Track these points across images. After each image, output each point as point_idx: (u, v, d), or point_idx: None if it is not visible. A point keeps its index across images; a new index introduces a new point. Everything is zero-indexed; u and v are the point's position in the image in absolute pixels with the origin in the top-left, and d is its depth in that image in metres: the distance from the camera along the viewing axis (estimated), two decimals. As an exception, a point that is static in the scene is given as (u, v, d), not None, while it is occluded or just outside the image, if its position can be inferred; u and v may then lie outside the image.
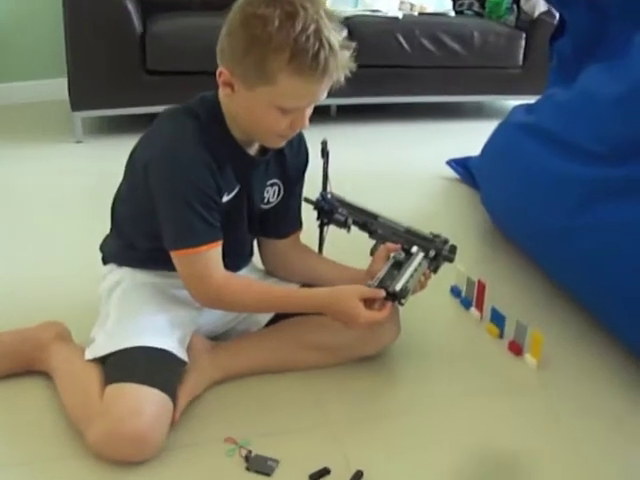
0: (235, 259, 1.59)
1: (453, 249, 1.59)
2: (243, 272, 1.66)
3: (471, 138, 2.71)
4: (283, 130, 1.38)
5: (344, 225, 1.66)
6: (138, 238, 1.51)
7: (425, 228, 2.11)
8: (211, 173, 1.38)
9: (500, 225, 2.30)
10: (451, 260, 1.59)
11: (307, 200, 1.67)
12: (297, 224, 1.68)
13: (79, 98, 3.05)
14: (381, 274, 1.48)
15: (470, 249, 2.23)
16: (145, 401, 1.32)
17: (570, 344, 1.79)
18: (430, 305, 1.84)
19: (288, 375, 1.62)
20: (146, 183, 1.39)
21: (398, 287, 1.45)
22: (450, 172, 2.90)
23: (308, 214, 1.69)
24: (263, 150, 1.50)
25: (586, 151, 1.86)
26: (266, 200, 1.58)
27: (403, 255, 1.54)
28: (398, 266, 1.51)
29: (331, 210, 1.66)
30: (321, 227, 1.74)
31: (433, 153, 3.10)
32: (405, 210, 2.44)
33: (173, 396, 1.39)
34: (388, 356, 1.69)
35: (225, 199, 1.44)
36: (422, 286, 1.54)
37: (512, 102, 3.60)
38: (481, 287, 1.85)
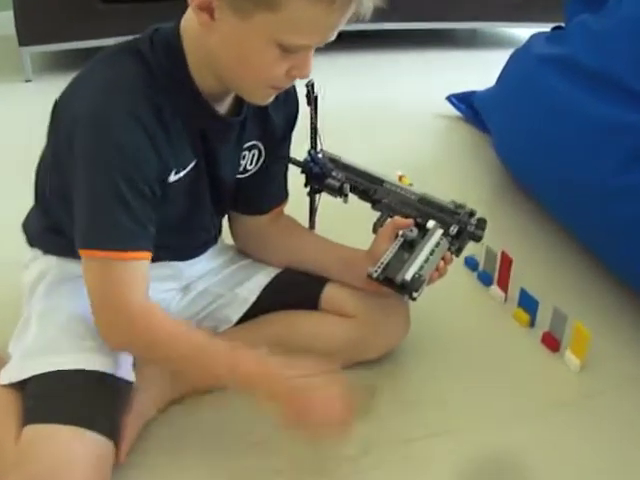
0: (196, 246, 1.25)
1: (481, 224, 1.23)
2: (207, 255, 1.30)
3: (470, 70, 2.37)
4: (278, 78, 1.00)
5: (339, 192, 1.29)
6: (67, 220, 1.14)
7: (422, 178, 1.81)
8: (155, 144, 1.00)
9: (519, 177, 1.94)
10: (479, 238, 1.23)
11: (292, 161, 1.30)
12: (282, 195, 1.32)
13: (27, 32, 2.72)
14: (387, 258, 1.13)
15: (483, 207, 1.86)
16: (75, 449, 0.97)
17: (622, 341, 1.45)
18: (439, 281, 1.48)
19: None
20: (70, 149, 1.00)
21: (409, 275, 1.10)
22: (451, 109, 2.54)
23: (294, 179, 1.31)
24: (237, 106, 1.12)
25: (636, 94, 1.49)
26: (242, 168, 1.21)
27: (416, 232, 1.18)
28: (409, 247, 1.16)
29: (323, 173, 1.29)
30: (311, 195, 1.37)
31: (431, 87, 2.76)
32: (398, 155, 2.16)
33: (115, 434, 1.05)
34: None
35: (174, 178, 1.07)
36: (441, 273, 1.19)
37: (512, 30, 3.21)
38: (506, 262, 1.50)
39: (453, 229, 1.21)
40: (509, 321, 1.49)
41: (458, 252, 1.21)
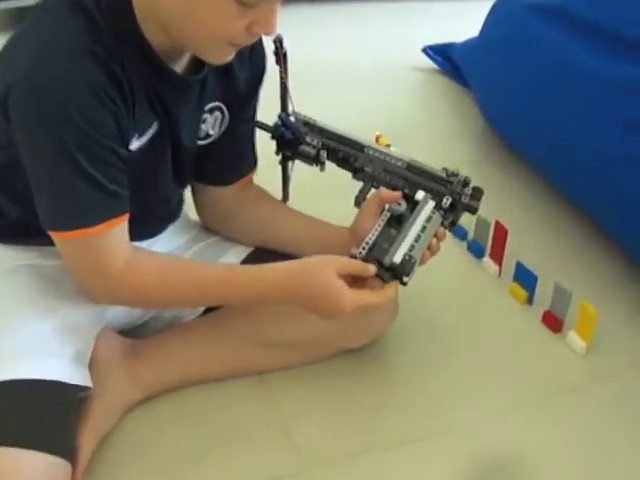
0: (154, 222, 1.11)
1: (477, 193, 1.08)
2: (168, 233, 1.14)
3: (448, 20, 2.18)
4: (237, 35, 0.86)
5: (315, 160, 1.13)
6: (4, 201, 0.98)
7: (400, 137, 1.66)
8: (108, 105, 0.85)
9: (508, 137, 1.79)
10: (474, 210, 1.08)
11: (261, 126, 1.13)
12: (249, 164, 1.16)
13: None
14: (372, 236, 0.98)
15: (470, 169, 1.71)
16: (22, 473, 0.83)
17: (629, 318, 1.31)
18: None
19: (239, 383, 1.13)
20: (7, 123, 0.86)
21: (398, 257, 0.95)
22: (428, 62, 2.37)
23: (264, 146, 1.15)
24: (196, 64, 0.97)
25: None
26: (204, 134, 1.06)
27: (404, 206, 1.03)
28: (397, 223, 1.01)
29: (296, 139, 1.13)
30: (283, 164, 1.21)
31: (406, 39, 2.57)
32: (374, 114, 1.99)
33: (69, 452, 0.91)
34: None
35: (135, 144, 0.93)
36: (433, 251, 1.03)
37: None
38: (501, 232, 1.36)
39: (446, 201, 1.06)
40: (504, 298, 1.35)
41: (452, 226, 1.07)
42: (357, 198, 1.08)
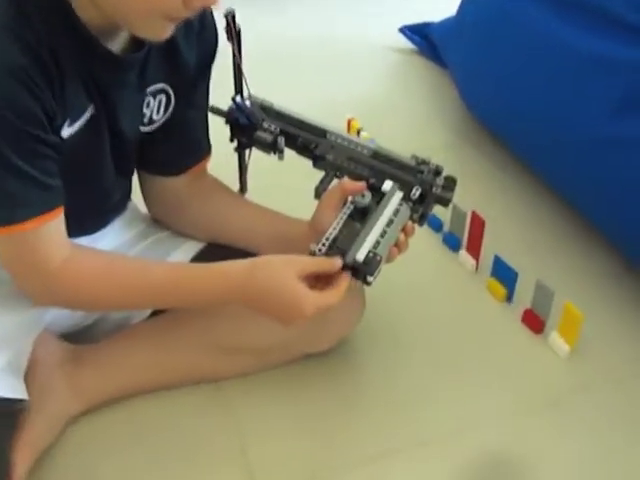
0: (95, 216, 1.01)
1: (450, 184, 0.98)
2: (113, 227, 1.04)
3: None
4: (173, 8, 0.75)
5: (272, 147, 1.02)
6: None
7: (375, 121, 1.58)
8: (31, 90, 0.75)
9: (488, 122, 1.68)
10: (447, 202, 0.98)
11: (213, 110, 1.03)
12: (201, 151, 1.06)
13: None
14: (333, 232, 0.88)
15: (446, 154, 1.63)
16: None
17: (616, 319, 1.22)
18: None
19: (193, 392, 1.04)
20: None
21: (361, 255, 0.85)
22: (405, 42, 2.24)
23: (219, 132, 1.04)
24: (135, 43, 0.86)
25: (629, 26, 1.24)
26: (147, 119, 0.95)
27: (369, 197, 0.93)
28: (361, 216, 0.91)
29: (252, 125, 1.02)
30: (239, 152, 1.11)
31: (381, 18, 2.44)
32: (346, 96, 1.88)
33: (2, 471, 0.84)
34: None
35: (67, 132, 0.83)
36: (401, 249, 0.93)
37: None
38: (478, 223, 1.27)
39: (415, 192, 0.96)
40: (482, 294, 1.26)
41: (422, 220, 0.97)
42: (317, 189, 0.97)
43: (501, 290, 1.22)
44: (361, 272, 0.85)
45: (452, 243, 1.35)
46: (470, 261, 1.30)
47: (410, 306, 1.22)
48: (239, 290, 0.86)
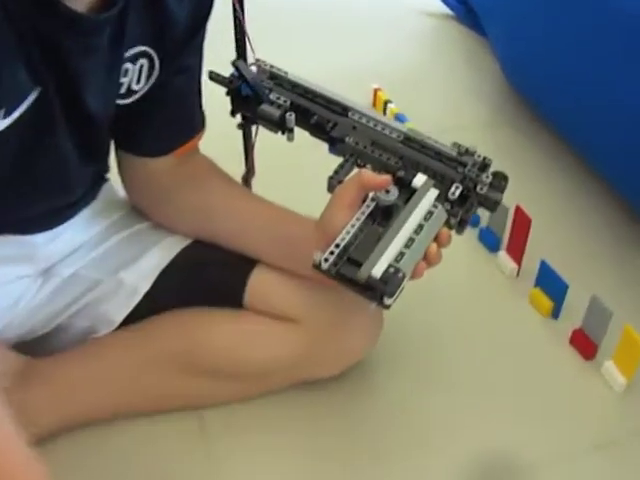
0: (53, 214, 0.83)
1: (500, 181, 0.78)
2: (82, 218, 0.86)
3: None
4: None
5: (280, 125, 0.83)
6: None
7: (403, 92, 1.41)
8: None
9: (531, 96, 1.47)
10: (494, 205, 0.78)
11: (213, 77, 0.84)
12: (192, 126, 0.87)
13: None
14: (347, 236, 0.69)
15: (484, 134, 1.43)
16: None
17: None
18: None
19: (167, 421, 0.86)
20: None
21: (378, 270, 0.66)
22: (439, 5, 1.99)
23: (217, 103, 0.85)
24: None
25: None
26: (125, 89, 0.76)
27: (396, 194, 0.73)
28: (384, 218, 0.72)
29: (256, 96, 0.83)
30: (244, 129, 0.92)
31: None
32: (372, 64, 1.65)
33: None
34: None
35: (3, 123, 0.63)
36: (431, 262, 0.72)
37: None
38: (523, 221, 1.07)
39: (455, 190, 0.76)
40: (522, 306, 1.07)
41: (461, 227, 0.77)
42: (331, 180, 0.78)
43: (546, 303, 1.03)
44: (377, 292, 0.66)
45: (490, 241, 1.15)
46: (510, 265, 1.10)
47: (435, 317, 1.04)
48: None
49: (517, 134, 1.44)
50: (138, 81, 0.76)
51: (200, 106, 0.86)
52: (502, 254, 1.13)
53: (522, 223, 1.07)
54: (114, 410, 0.85)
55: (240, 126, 0.91)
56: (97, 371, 0.83)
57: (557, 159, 1.36)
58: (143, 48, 0.74)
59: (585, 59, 1.23)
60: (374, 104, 1.47)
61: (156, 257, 0.86)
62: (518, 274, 1.10)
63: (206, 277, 0.84)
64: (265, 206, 0.85)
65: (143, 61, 0.75)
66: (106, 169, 0.89)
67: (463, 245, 1.16)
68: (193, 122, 0.86)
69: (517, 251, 1.10)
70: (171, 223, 0.88)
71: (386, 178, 0.73)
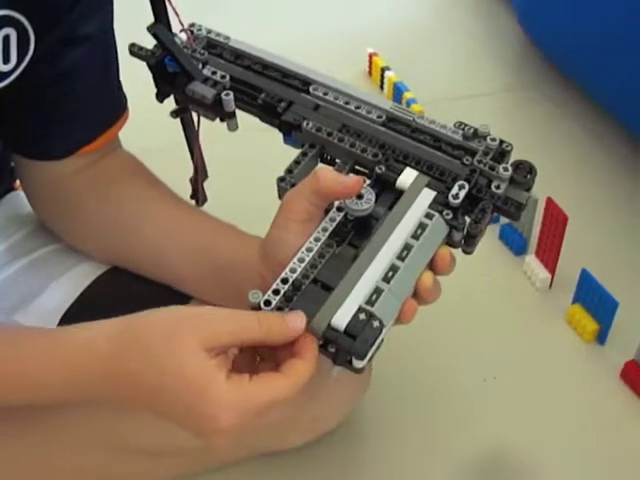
0: None
1: (526, 174, 0.54)
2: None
3: None
4: None
5: (215, 110, 0.61)
6: None
7: (406, 56, 1.25)
8: None
9: (557, 59, 1.23)
10: (516, 212, 0.54)
11: (134, 51, 0.62)
12: (104, 115, 0.66)
13: None
14: (296, 266, 0.48)
15: (498, 106, 1.19)
16: None
17: None
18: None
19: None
20: None
21: (342, 318, 0.44)
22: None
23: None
24: None
25: None
26: None
27: (371, 202, 0.50)
28: (357, 236, 0.50)
29: (184, 70, 0.61)
30: (181, 117, 0.70)
31: None
32: (366, 23, 1.40)
33: None
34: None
35: None
36: (425, 297, 0.49)
37: None
38: (558, 217, 0.84)
39: (458, 191, 0.53)
40: (557, 328, 0.83)
41: (469, 244, 0.54)
42: (281, 183, 0.55)
43: (590, 325, 0.80)
44: (342, 349, 0.44)
45: (514, 242, 0.93)
46: (541, 273, 0.87)
47: (444, 343, 0.81)
48: (104, 374, 0.45)
49: (544, 104, 1.20)
50: (7, 59, 0.54)
51: (112, 90, 0.65)
52: (530, 259, 0.89)
53: (556, 220, 0.84)
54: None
55: (174, 113, 0.68)
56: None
57: (600, 136, 1.11)
58: (5, 12, 0.52)
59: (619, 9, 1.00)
60: (369, 72, 1.25)
61: (60, 293, 0.64)
62: (551, 285, 0.87)
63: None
64: (195, 218, 0.63)
65: (8, 30, 0.54)
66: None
67: (479, 247, 0.93)
68: (101, 112, 0.64)
69: (550, 256, 0.86)
70: (82, 244, 0.67)
71: (355, 179, 0.49)
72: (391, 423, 0.73)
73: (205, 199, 0.76)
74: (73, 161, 0.64)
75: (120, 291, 0.64)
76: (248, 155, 0.91)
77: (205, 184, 0.79)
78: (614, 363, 0.78)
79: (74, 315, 0.63)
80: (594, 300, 0.80)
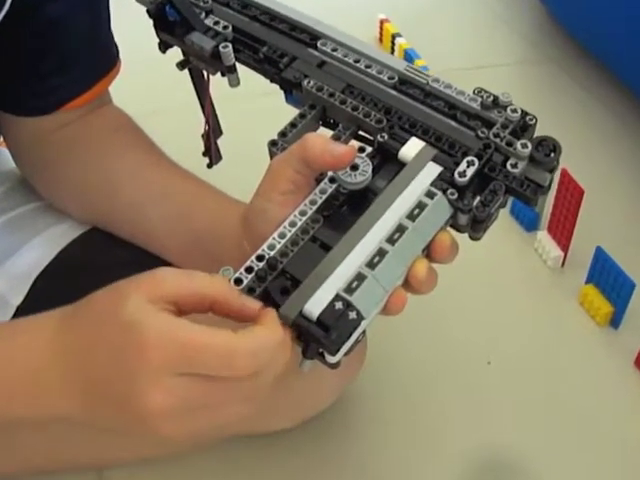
0: None
1: (549, 152, 0.49)
2: None
3: None
4: None
5: (214, 63, 0.57)
6: None
7: (419, 23, 1.21)
8: None
9: (576, 29, 1.17)
10: (534, 194, 0.48)
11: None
12: (89, 67, 0.61)
13: None
14: (275, 243, 0.43)
15: (516, 77, 1.14)
16: None
17: None
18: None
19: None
20: None
21: (316, 307, 0.39)
22: None
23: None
24: None
25: None
26: None
27: (367, 174, 0.44)
28: (351, 213, 0.44)
29: (184, 21, 0.56)
30: (189, 69, 0.65)
31: None
32: None
33: None
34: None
35: None
36: (416, 288, 0.43)
37: None
38: (573, 191, 0.80)
39: (466, 167, 0.47)
40: (569, 309, 0.79)
41: (475, 228, 0.48)
42: (272, 148, 0.50)
43: (604, 307, 0.76)
44: (314, 341, 0.40)
45: (525, 217, 0.88)
46: (553, 251, 0.83)
47: (447, 319, 0.77)
48: (60, 339, 0.40)
49: (562, 76, 1.15)
50: None
51: (101, 42, 0.61)
52: (542, 235, 0.85)
53: (571, 194, 0.80)
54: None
55: (180, 65, 0.63)
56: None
57: (619, 112, 1.06)
58: None
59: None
60: (380, 38, 1.19)
61: (34, 253, 0.60)
62: (563, 264, 0.83)
63: (101, 285, 0.58)
64: (176, 179, 0.59)
65: None
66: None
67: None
68: (89, 65, 0.60)
69: (563, 232, 0.82)
70: (62, 201, 0.63)
71: (346, 148, 0.44)
72: (389, 405, 0.70)
73: (220, 157, 0.70)
74: (58, 116, 0.60)
75: (99, 254, 0.60)
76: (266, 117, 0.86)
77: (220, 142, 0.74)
78: (628, 349, 0.74)
79: (49, 276, 0.59)
80: (609, 281, 0.75)
